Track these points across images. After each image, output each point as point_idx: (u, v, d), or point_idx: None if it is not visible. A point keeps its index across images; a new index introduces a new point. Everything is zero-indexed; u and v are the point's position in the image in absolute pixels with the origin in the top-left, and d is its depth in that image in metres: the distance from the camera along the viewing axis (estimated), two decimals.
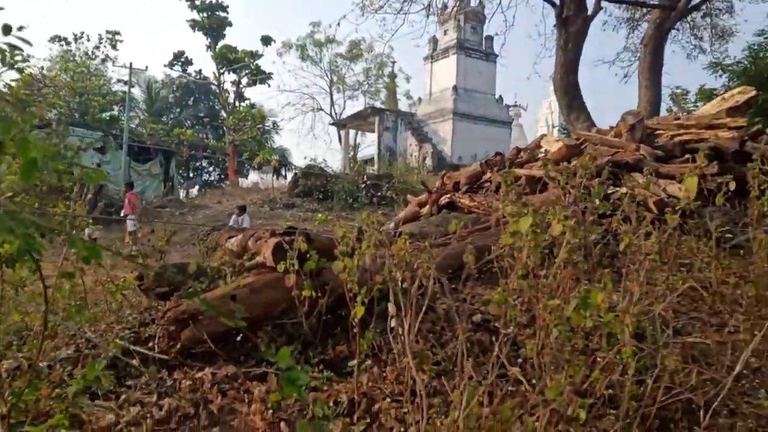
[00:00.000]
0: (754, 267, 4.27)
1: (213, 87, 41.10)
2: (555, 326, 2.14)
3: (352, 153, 38.55)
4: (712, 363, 3.31)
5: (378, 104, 42.09)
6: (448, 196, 7.19)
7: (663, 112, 14.77)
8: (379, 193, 20.49)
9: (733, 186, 4.57)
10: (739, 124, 7.17)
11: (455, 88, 32.89)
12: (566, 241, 2.18)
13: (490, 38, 33.85)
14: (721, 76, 14.65)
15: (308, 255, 3.35)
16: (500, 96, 35.30)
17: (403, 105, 43.42)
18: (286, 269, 3.25)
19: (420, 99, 36.38)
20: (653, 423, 2.84)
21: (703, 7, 15.22)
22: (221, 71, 38.21)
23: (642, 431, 2.79)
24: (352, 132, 39.62)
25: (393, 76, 45.08)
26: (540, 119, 52.87)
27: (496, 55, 33.81)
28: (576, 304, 2.03)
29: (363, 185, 21.44)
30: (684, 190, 4.90)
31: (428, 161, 30.62)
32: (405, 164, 29.20)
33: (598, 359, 2.86)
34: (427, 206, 7.31)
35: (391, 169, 26.67)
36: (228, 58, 37.28)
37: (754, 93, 7.94)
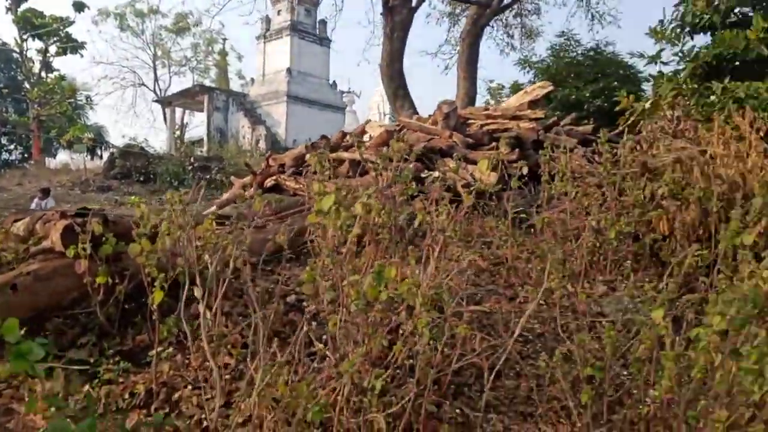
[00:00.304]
0: (543, 243, 4.78)
1: (15, 55, 36.20)
2: (353, 301, 2.20)
3: (178, 133, 36.45)
4: (504, 331, 3.64)
5: (208, 82, 40.23)
6: (274, 178, 7.10)
7: (480, 104, 15.94)
8: (207, 176, 19.63)
9: (526, 171, 5.08)
10: (538, 115, 7.97)
11: (289, 70, 32.52)
12: (359, 218, 2.25)
13: (324, 22, 33.91)
14: (528, 72, 16.13)
15: (105, 238, 3.09)
16: (334, 81, 35.63)
17: (235, 84, 41.99)
18: (77, 254, 2.97)
19: (253, 79, 35.43)
20: (449, 388, 3.07)
21: (515, 7, 16.68)
22: (24, 37, 33.74)
23: (438, 396, 3.00)
24: (178, 111, 37.43)
25: (224, 53, 43.32)
26: (373, 107, 54.28)
27: (330, 40, 34.05)
28: (371, 279, 2.10)
29: (190, 167, 20.41)
30: (477, 172, 5.32)
31: (261, 144, 29.99)
32: (237, 146, 28.29)
33: (402, 331, 3.02)
34: (252, 188, 7.15)
35: (222, 151, 25.71)
36: (33, 23, 32.99)
37: (551, 88, 8.86)
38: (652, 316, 2.55)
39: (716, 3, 8.28)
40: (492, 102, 19.73)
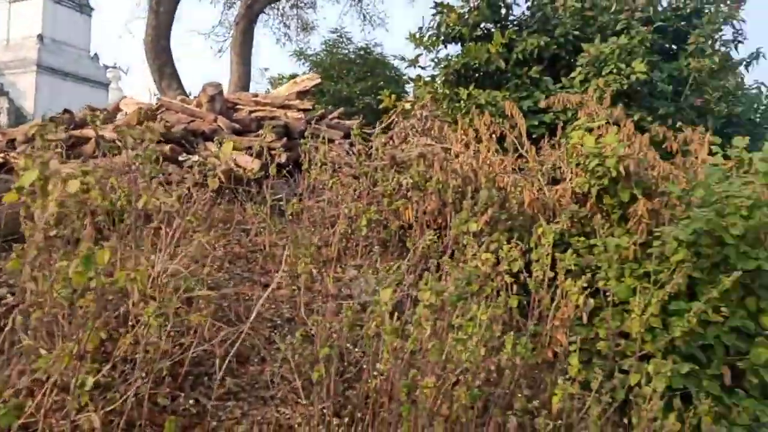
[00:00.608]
0: (299, 230, 4.86)
1: None
2: (57, 290, 1.96)
3: None
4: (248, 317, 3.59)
5: None
6: (1, 155, 6.11)
7: (260, 91, 15.69)
8: None
9: (284, 158, 5.12)
10: (306, 106, 8.08)
11: (41, 37, 28.51)
12: (54, 197, 2.01)
13: None
14: (304, 64, 16.31)
15: None
16: (96, 54, 32.13)
17: None
18: None
19: None
20: (186, 379, 2.94)
21: None
22: None
23: (174, 388, 2.86)
24: None
25: None
26: (144, 85, 50.40)
27: (92, 8, 30.64)
28: (77, 265, 1.88)
29: None
30: (239, 158, 5.23)
31: (3, 118, 25.88)
32: None
33: (132, 322, 2.80)
34: None
35: None
36: None
37: (319, 80, 9.07)
38: (381, 295, 2.72)
39: (466, 17, 9.23)
40: (272, 91, 19.59)
